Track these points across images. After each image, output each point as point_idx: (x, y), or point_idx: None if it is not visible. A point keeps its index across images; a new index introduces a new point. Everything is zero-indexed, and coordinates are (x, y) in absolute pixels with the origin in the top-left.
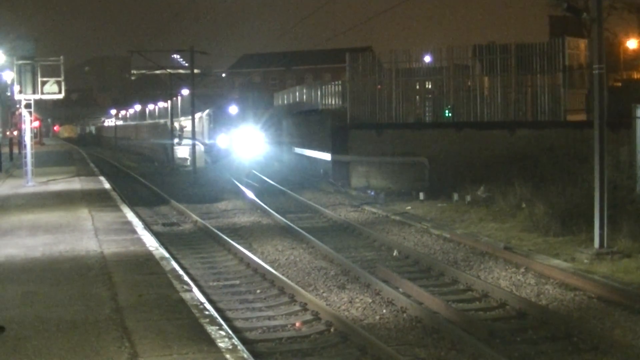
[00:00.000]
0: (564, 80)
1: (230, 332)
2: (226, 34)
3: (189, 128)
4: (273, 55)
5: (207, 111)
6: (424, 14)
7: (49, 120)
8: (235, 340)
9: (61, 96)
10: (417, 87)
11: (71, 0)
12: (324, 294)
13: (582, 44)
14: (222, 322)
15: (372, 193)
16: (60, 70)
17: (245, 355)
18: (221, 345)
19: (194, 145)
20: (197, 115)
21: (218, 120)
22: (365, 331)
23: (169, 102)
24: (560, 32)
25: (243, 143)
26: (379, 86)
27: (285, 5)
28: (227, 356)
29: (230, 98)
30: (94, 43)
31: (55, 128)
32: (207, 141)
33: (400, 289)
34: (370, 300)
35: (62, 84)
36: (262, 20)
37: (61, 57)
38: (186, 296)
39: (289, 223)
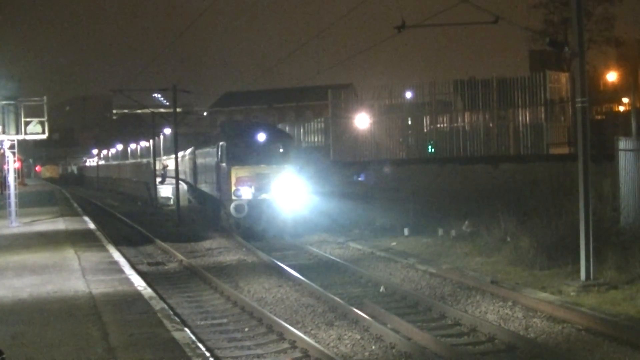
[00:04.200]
0: (546, 113)
1: None
2: (208, 72)
3: (171, 167)
4: (255, 93)
5: (189, 150)
6: (404, 51)
7: (31, 160)
8: None
9: (45, 136)
10: (400, 122)
11: (52, 40)
12: (313, 331)
13: (563, 77)
14: None
15: None
16: (44, 111)
17: None
18: None
19: (177, 185)
20: (180, 154)
21: (235, 156)
22: None
23: (151, 141)
24: (540, 66)
25: (283, 193)
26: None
27: (267, 44)
28: None
29: (252, 122)
30: (75, 82)
31: (37, 168)
32: (208, 189)
33: (389, 325)
34: (359, 337)
35: (46, 124)
36: (244, 59)
37: (44, 98)
38: (177, 335)
39: (274, 261)
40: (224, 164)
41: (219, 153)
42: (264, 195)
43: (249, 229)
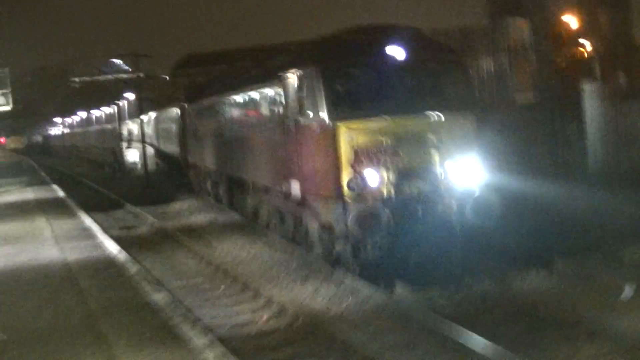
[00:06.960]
0: (510, 61)
1: (204, 329)
2: (169, 34)
3: (136, 132)
4: (218, 54)
5: (153, 114)
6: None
7: None
8: (211, 336)
9: (9, 108)
10: None
11: (9, 11)
12: (289, 286)
13: (524, 24)
14: (195, 321)
15: None
16: (7, 82)
17: (222, 350)
18: (197, 342)
19: (144, 149)
20: (145, 118)
21: (344, 99)
22: (332, 320)
23: (116, 107)
24: (500, 12)
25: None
26: None
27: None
28: (205, 352)
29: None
30: (34, 52)
31: (1, 140)
32: (246, 173)
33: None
34: (335, 291)
35: (9, 95)
36: (205, 19)
37: (6, 69)
38: (155, 297)
39: (246, 219)
40: (312, 120)
41: (301, 95)
42: (418, 186)
43: (385, 263)
